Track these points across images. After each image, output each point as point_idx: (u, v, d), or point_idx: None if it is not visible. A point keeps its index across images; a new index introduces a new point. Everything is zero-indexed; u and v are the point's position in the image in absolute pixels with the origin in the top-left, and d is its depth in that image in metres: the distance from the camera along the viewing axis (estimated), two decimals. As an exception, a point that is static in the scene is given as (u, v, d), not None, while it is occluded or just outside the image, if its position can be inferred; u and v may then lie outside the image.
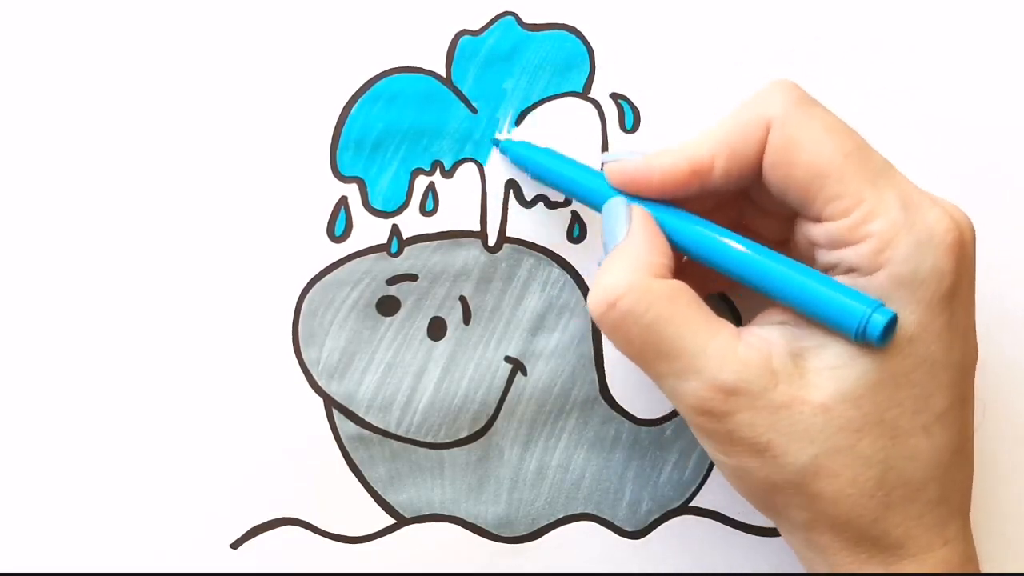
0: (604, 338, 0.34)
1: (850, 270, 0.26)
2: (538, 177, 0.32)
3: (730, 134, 0.28)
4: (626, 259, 0.27)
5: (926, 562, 0.27)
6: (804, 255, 0.28)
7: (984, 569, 0.29)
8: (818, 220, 0.27)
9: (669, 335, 0.26)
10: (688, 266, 0.30)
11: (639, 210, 0.29)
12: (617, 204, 0.29)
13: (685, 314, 0.27)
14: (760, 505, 0.29)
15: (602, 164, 0.30)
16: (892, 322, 0.25)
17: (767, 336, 0.27)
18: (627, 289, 0.26)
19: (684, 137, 0.33)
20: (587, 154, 0.34)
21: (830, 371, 0.26)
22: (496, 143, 0.33)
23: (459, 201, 0.34)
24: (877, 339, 0.25)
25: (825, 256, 0.27)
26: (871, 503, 0.26)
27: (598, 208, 0.30)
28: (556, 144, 0.33)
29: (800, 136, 0.27)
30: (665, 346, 0.26)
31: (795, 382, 0.26)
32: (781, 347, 0.26)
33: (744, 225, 0.31)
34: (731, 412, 0.26)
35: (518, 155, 0.33)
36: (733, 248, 0.27)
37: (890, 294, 0.25)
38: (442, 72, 0.33)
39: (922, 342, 0.26)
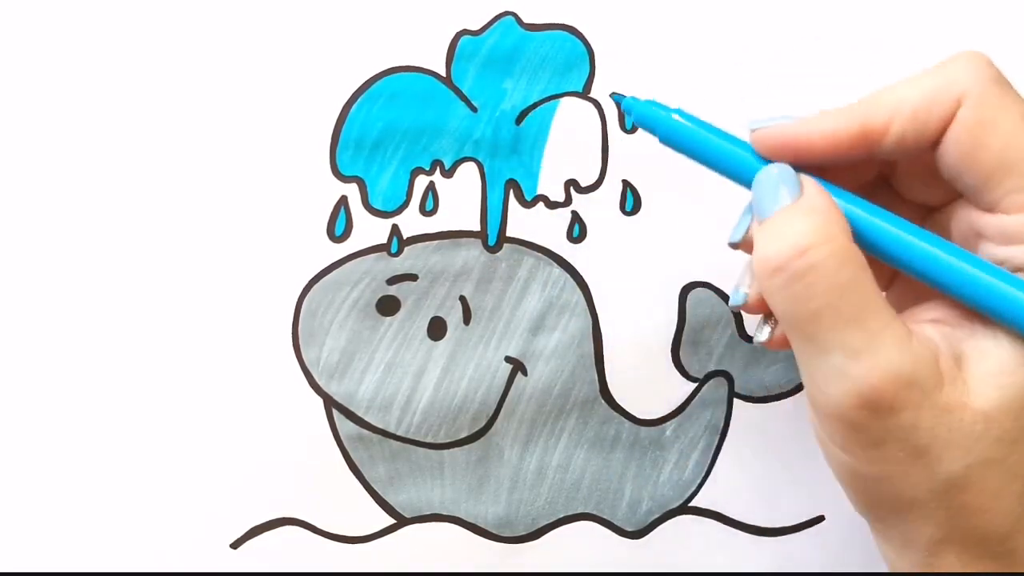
0: (604, 338, 0.34)
1: (1019, 269, 0.25)
2: (670, 142, 0.28)
3: (913, 99, 0.25)
4: (814, 212, 0.25)
5: None
6: (961, 244, 0.26)
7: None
8: (991, 210, 0.25)
9: (855, 303, 0.24)
10: None
11: (809, 178, 0.26)
12: (780, 170, 0.26)
13: (872, 287, 0.24)
14: (887, 520, 0.27)
15: (750, 132, 0.27)
16: None
17: (928, 334, 0.25)
18: (823, 239, 0.24)
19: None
20: (587, 154, 0.34)
21: (993, 379, 0.24)
22: (620, 99, 0.29)
23: (459, 201, 0.34)
24: None
25: (991, 250, 0.26)
26: (1007, 520, 0.25)
27: (743, 181, 0.27)
28: (557, 146, 0.33)
29: (996, 118, 0.25)
30: (848, 313, 0.24)
31: (959, 386, 0.24)
32: (944, 347, 0.25)
33: None
34: (898, 407, 0.24)
35: (646, 116, 0.28)
36: (905, 236, 0.25)
37: None
38: (442, 72, 0.33)
39: None
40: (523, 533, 0.34)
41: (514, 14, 0.33)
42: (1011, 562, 0.25)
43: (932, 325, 0.26)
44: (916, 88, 0.26)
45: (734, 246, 0.27)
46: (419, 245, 0.34)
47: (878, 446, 0.25)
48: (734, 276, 0.28)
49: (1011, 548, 0.25)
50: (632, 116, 0.29)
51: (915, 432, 0.24)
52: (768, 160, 0.27)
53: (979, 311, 0.25)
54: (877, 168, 0.28)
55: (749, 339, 0.34)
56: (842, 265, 0.24)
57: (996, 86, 0.25)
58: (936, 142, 0.26)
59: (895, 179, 0.28)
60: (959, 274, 0.25)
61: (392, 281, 0.34)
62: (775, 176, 0.26)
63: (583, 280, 0.34)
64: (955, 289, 0.25)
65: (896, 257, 0.25)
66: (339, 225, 0.33)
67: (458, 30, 0.33)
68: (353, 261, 0.33)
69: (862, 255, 0.24)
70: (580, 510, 0.35)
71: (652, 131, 0.28)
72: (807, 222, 0.24)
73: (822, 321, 0.24)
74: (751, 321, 0.34)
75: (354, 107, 0.33)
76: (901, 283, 0.29)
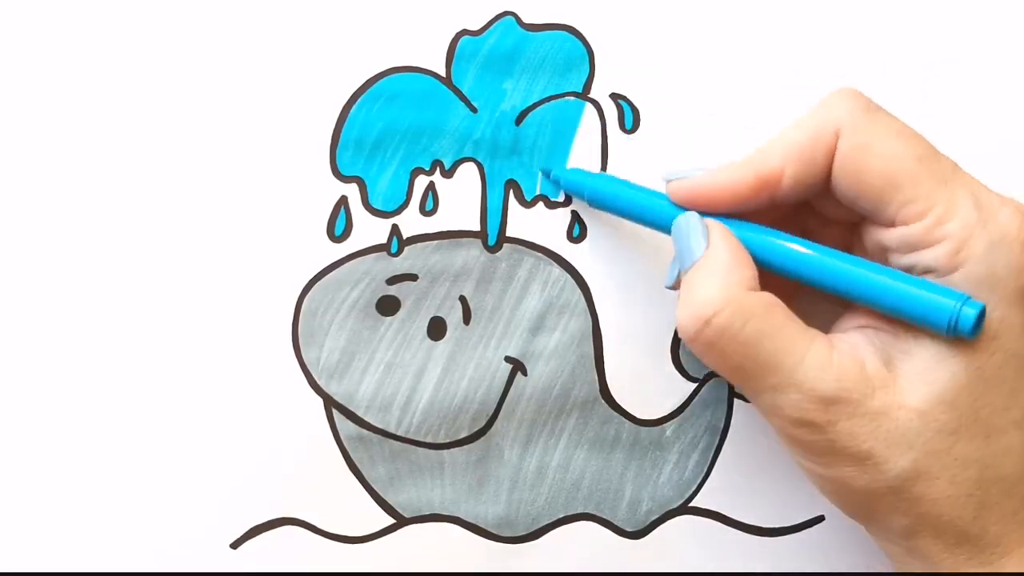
0: (604, 338, 0.34)
1: (926, 272, 0.27)
2: (596, 203, 0.32)
3: (798, 142, 0.28)
4: (715, 273, 0.27)
5: None
6: (875, 260, 0.28)
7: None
8: (891, 225, 0.27)
9: (767, 349, 0.26)
10: (763, 278, 0.29)
11: (715, 223, 0.28)
12: (689, 219, 0.29)
13: (781, 327, 0.26)
14: (859, 515, 0.29)
15: (666, 183, 0.30)
16: (981, 314, 0.25)
17: (854, 342, 0.27)
18: (723, 304, 0.26)
19: (684, 137, 0.34)
20: (587, 154, 0.34)
21: (921, 375, 0.26)
22: (547, 173, 0.33)
23: (459, 201, 0.34)
24: (969, 331, 0.25)
25: (899, 260, 0.27)
26: (970, 502, 0.26)
27: (664, 229, 0.30)
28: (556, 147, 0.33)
29: (871, 142, 0.27)
30: (763, 361, 0.26)
31: (890, 388, 0.26)
32: (871, 353, 0.27)
33: (806, 236, 0.30)
34: (831, 422, 0.26)
35: (572, 183, 0.33)
36: (812, 256, 0.27)
37: (968, 293, 0.26)
38: (442, 72, 0.33)
39: (1006, 338, 0.26)
40: (523, 533, 0.34)
41: (514, 14, 0.33)
42: (986, 542, 0.27)
43: (859, 331, 0.28)
44: (798, 131, 0.28)
45: (671, 289, 0.30)
46: (419, 245, 0.34)
47: (827, 455, 0.27)
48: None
49: (982, 527, 0.27)
50: (562, 184, 0.33)
51: (854, 440, 0.26)
52: (685, 209, 0.29)
53: (889, 314, 0.27)
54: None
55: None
56: (746, 322, 0.26)
57: (867, 113, 0.27)
58: (827, 176, 0.28)
59: (814, 204, 0.30)
60: (869, 285, 0.27)
61: (392, 281, 0.34)
62: (685, 226, 0.29)
63: (583, 280, 0.34)
64: (868, 300, 0.27)
65: (810, 279, 0.27)
66: (339, 225, 0.33)
67: (458, 30, 0.33)
68: (353, 261, 0.33)
69: (766, 298, 0.27)
70: (580, 510, 0.35)
71: (580, 195, 0.33)
72: (708, 287, 0.27)
73: (743, 373, 0.27)
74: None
75: (354, 107, 0.33)
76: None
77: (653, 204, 0.30)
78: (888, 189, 0.27)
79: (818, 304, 0.28)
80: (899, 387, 0.26)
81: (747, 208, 0.29)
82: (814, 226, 0.31)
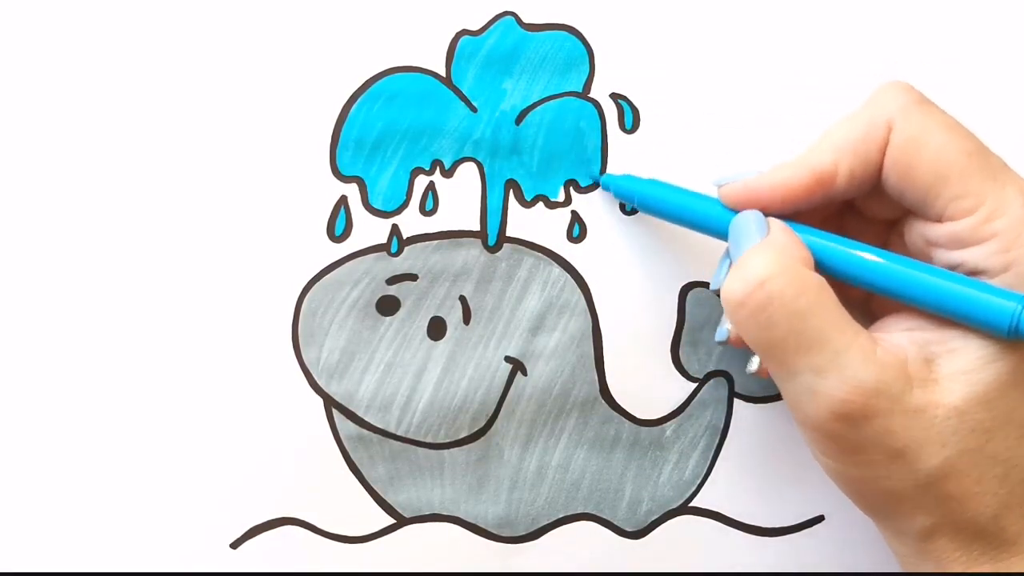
0: (604, 338, 0.34)
1: (974, 271, 0.27)
2: (646, 209, 0.32)
3: (851, 137, 0.28)
4: (773, 248, 0.27)
5: None
6: (918, 257, 0.28)
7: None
8: (939, 220, 0.27)
9: (815, 326, 0.26)
10: None
11: (774, 219, 0.28)
12: (748, 216, 0.28)
13: (832, 308, 0.26)
14: (879, 514, 0.29)
15: (717, 188, 0.29)
16: None
17: (897, 341, 0.27)
18: (779, 271, 0.26)
19: (684, 137, 0.34)
20: (588, 154, 0.34)
21: (963, 375, 0.26)
22: (598, 180, 0.33)
23: (459, 201, 0.34)
24: None
25: (945, 256, 0.27)
26: (993, 500, 0.26)
27: (717, 233, 0.30)
28: (555, 147, 0.33)
29: (922, 135, 0.27)
30: (809, 336, 0.26)
31: (929, 387, 0.26)
32: (914, 352, 0.27)
33: (845, 233, 0.30)
34: (869, 416, 0.26)
35: (623, 189, 0.32)
36: (868, 259, 0.27)
37: (1019, 292, 0.26)
38: (442, 72, 0.33)
39: None
40: (523, 533, 0.34)
41: (514, 14, 0.33)
42: (1002, 540, 0.27)
43: (905, 333, 0.27)
44: (851, 125, 0.28)
45: (717, 293, 0.29)
46: (419, 245, 0.34)
47: (858, 452, 0.26)
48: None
49: (1000, 527, 0.27)
50: (612, 189, 0.33)
51: (890, 436, 0.26)
52: (736, 212, 0.29)
53: (946, 316, 0.27)
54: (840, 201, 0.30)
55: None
56: (800, 293, 0.26)
57: (919, 106, 0.27)
58: (879, 171, 0.28)
59: (857, 202, 0.30)
60: (922, 286, 0.27)
61: (392, 281, 0.34)
62: (745, 220, 0.28)
63: (583, 280, 0.34)
64: (921, 300, 0.27)
65: (864, 280, 0.27)
66: (339, 225, 0.33)
67: (458, 30, 0.33)
68: (353, 261, 0.33)
69: (821, 280, 0.26)
70: (580, 510, 0.35)
71: (630, 200, 0.32)
72: (765, 256, 0.26)
73: (787, 346, 0.26)
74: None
75: (354, 107, 0.33)
76: (876, 299, 0.31)
77: (706, 208, 0.30)
78: (938, 183, 0.27)
79: (851, 312, 0.28)
80: (940, 386, 0.26)
81: (801, 207, 0.28)
82: (853, 226, 0.31)
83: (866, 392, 0.25)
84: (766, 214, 0.28)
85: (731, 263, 0.28)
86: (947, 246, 0.27)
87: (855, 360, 0.26)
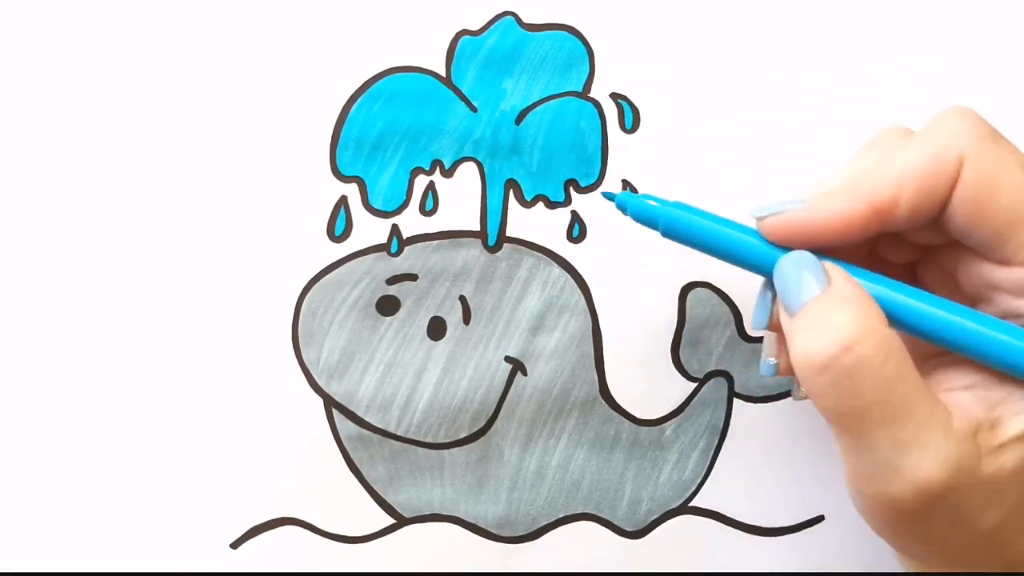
0: (604, 338, 0.34)
1: None
2: (673, 236, 0.28)
3: (916, 168, 0.25)
4: (850, 303, 0.24)
5: None
6: (971, 295, 0.27)
7: None
8: (1007, 264, 0.26)
9: (901, 395, 0.24)
10: None
11: (833, 265, 0.26)
12: (802, 258, 0.26)
13: (914, 375, 0.24)
14: (919, 559, 0.27)
15: (756, 221, 0.27)
16: None
17: (963, 404, 0.25)
18: (866, 333, 0.24)
19: (684, 137, 0.34)
20: (588, 154, 0.34)
21: None
22: (610, 197, 0.29)
23: (459, 201, 0.34)
24: None
25: (1009, 302, 0.26)
26: None
27: (756, 268, 0.27)
28: (557, 147, 0.33)
29: (998, 174, 0.25)
30: (895, 408, 0.24)
31: (995, 454, 0.25)
32: (982, 416, 0.25)
33: (875, 253, 0.29)
34: (946, 494, 0.24)
35: (644, 212, 0.28)
36: (944, 316, 0.25)
37: None
38: (442, 72, 0.33)
39: None
40: (523, 533, 0.34)
41: (514, 14, 0.33)
42: None
43: (967, 391, 0.26)
44: (916, 156, 0.25)
45: (746, 336, 0.27)
46: (419, 245, 0.34)
47: (923, 524, 0.25)
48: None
49: None
50: (628, 211, 0.28)
51: (959, 508, 0.24)
52: (779, 247, 0.26)
53: (1012, 374, 0.25)
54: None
55: (749, 339, 0.34)
56: (887, 359, 0.24)
57: (992, 142, 0.25)
58: (944, 205, 0.26)
59: (900, 232, 0.28)
60: (990, 341, 0.25)
61: (392, 281, 0.34)
62: (797, 264, 0.26)
63: (583, 280, 0.34)
64: (987, 356, 0.25)
65: (925, 332, 0.25)
66: (339, 225, 0.33)
67: (458, 30, 0.33)
68: (353, 261, 0.33)
69: (901, 342, 0.24)
70: (580, 510, 0.35)
71: (652, 226, 0.28)
72: (846, 315, 0.24)
73: (871, 417, 0.24)
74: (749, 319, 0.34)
75: (354, 107, 0.33)
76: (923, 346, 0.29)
77: (744, 243, 0.27)
78: (1011, 226, 0.25)
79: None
80: (1006, 451, 0.25)
81: (856, 242, 0.26)
82: (887, 244, 0.29)
83: (948, 468, 0.24)
84: (813, 248, 0.26)
85: (772, 307, 0.26)
86: (1012, 292, 0.26)
87: (937, 435, 0.24)
